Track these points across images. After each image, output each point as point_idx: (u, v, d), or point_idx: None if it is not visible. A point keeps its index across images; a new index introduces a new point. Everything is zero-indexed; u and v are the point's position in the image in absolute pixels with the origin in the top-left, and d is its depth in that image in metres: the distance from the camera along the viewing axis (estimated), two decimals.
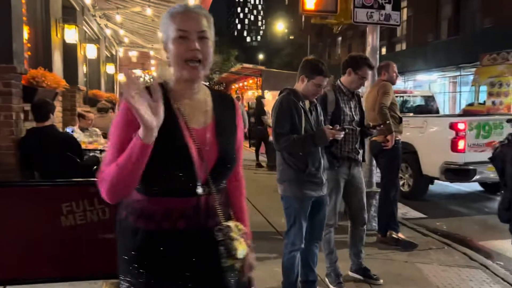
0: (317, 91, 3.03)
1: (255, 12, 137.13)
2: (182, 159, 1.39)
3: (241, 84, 20.22)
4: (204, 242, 1.44)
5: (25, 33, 5.25)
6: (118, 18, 8.59)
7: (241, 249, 1.42)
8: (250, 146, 15.50)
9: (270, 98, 14.39)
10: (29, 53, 5.52)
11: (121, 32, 10.55)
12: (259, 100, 11.38)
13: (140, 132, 1.25)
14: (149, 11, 7.24)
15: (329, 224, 3.50)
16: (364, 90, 4.79)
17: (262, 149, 10.94)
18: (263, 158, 10.77)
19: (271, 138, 10.29)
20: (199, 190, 1.42)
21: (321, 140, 2.93)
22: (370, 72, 3.83)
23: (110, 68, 11.80)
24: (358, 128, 3.57)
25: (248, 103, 18.06)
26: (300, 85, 3.06)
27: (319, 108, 3.20)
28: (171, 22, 1.41)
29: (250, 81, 18.08)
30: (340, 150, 3.46)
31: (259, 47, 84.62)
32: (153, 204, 1.43)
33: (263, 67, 18.48)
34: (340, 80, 3.61)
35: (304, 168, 2.97)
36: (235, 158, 1.54)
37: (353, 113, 3.58)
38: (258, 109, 11.12)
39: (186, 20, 1.40)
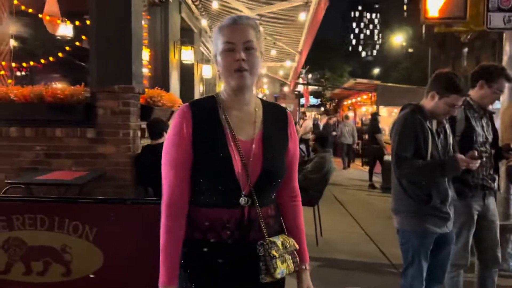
0: (449, 111, 2.54)
1: (371, 26, 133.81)
2: (224, 170, 1.41)
3: (354, 100, 19.57)
4: (247, 255, 1.42)
5: (147, 55, 5.62)
6: None
7: (282, 268, 1.40)
8: (362, 165, 14.81)
9: (385, 115, 13.62)
10: (149, 73, 5.89)
11: None
12: (374, 116, 10.76)
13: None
14: (261, 29, 7.29)
15: (458, 264, 2.97)
16: (494, 106, 4.10)
17: (377, 169, 10.27)
18: (376, 179, 10.11)
19: (386, 157, 9.63)
20: (242, 201, 1.42)
21: (452, 169, 2.47)
22: (507, 85, 3.22)
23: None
24: (492, 151, 3.01)
25: (361, 119, 17.38)
26: (428, 102, 2.60)
27: (448, 131, 2.69)
28: (220, 35, 1.45)
29: (364, 97, 17.38)
30: (473, 177, 2.92)
31: (375, 61, 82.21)
32: (200, 214, 1.45)
33: (378, 82, 17.66)
34: (469, 95, 3.08)
35: (427, 200, 2.52)
36: (282, 171, 1.52)
37: (486, 132, 3.03)
38: (372, 126, 10.51)
39: (232, 32, 1.44)
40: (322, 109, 31.90)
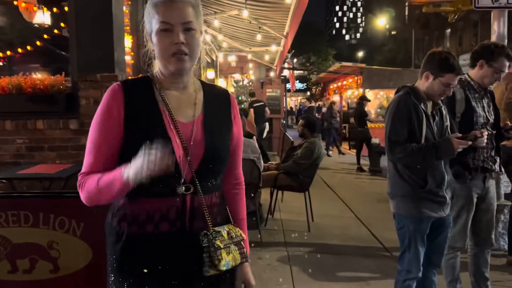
0: (444, 92, 2.48)
1: (354, 9, 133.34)
2: None
3: (339, 84, 19.55)
4: (189, 247, 1.31)
5: (129, 42, 5.45)
6: (217, 23, 8.68)
7: (228, 259, 1.30)
8: (350, 149, 14.86)
9: (372, 98, 13.60)
10: (132, 61, 5.72)
11: (220, 37, 10.71)
12: (361, 100, 10.74)
13: (131, 172, 1.17)
14: (245, 13, 7.15)
15: (456, 247, 2.96)
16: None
17: (364, 151, 10.29)
18: (364, 162, 10.13)
19: (373, 140, 9.65)
20: (182, 188, 1.31)
21: (447, 152, 2.42)
22: (507, 64, 3.15)
23: (210, 74, 12.10)
24: (493, 132, 2.97)
25: (348, 102, 17.38)
26: (423, 83, 2.54)
27: (444, 112, 2.63)
28: (154, 12, 1.31)
29: (350, 80, 17.35)
30: (473, 159, 2.88)
31: (359, 44, 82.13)
32: (135, 205, 1.33)
33: (363, 65, 17.63)
34: (468, 75, 3.02)
35: (423, 184, 2.48)
36: (225, 156, 1.42)
37: (487, 113, 2.98)
38: (359, 109, 10.51)
39: (169, 11, 1.30)
40: (308, 93, 31.88)
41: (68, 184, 3.62)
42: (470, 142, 2.42)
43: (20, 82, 3.94)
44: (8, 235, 2.71)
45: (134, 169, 1.16)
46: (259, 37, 9.33)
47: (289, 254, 4.23)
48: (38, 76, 4.13)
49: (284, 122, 15.20)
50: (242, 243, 1.38)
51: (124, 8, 4.70)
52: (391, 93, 14.74)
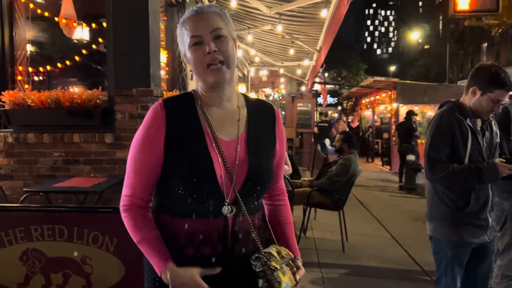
0: (493, 108, 2.32)
1: (386, 23, 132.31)
2: (205, 174, 1.23)
3: (372, 98, 19.24)
4: (238, 272, 1.24)
5: (164, 57, 5.50)
6: (250, 38, 8.70)
7: (286, 280, 1.21)
8: (382, 165, 14.52)
9: (405, 113, 13.27)
10: (167, 76, 5.77)
11: (252, 52, 10.75)
12: (409, 115, 10.33)
13: (170, 278, 1.21)
14: (279, 28, 7.13)
15: (510, 275, 2.75)
16: None
17: (396, 168, 9.99)
18: (394, 178, 9.84)
19: (408, 157, 9.36)
20: (225, 210, 1.24)
21: (491, 177, 2.26)
22: None
23: (241, 88, 12.14)
24: None
25: (380, 117, 17.04)
26: (469, 99, 2.38)
27: (494, 128, 2.46)
28: (184, 29, 1.30)
29: (383, 95, 17.03)
30: None
31: (390, 59, 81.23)
32: (176, 224, 1.27)
33: (396, 79, 17.28)
34: None
35: (464, 206, 2.31)
36: (269, 176, 1.36)
37: None
38: (406, 124, 10.10)
39: (196, 23, 1.28)
40: (339, 108, 31.58)
41: (102, 198, 3.63)
42: None
43: (59, 96, 4.01)
44: (43, 249, 2.72)
45: (175, 280, 1.20)
46: (291, 51, 9.28)
47: (323, 276, 4.08)
48: (76, 90, 4.19)
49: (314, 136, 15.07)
50: (291, 262, 1.31)
51: (160, 23, 4.75)
52: (426, 108, 14.45)
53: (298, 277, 1.28)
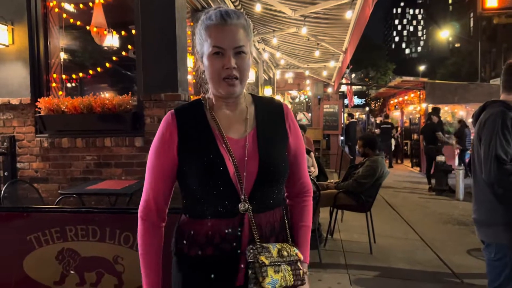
0: None
1: (414, 22, 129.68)
2: (217, 172, 1.27)
3: (400, 99, 18.92)
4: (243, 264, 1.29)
5: (191, 62, 5.61)
6: (275, 41, 8.75)
7: (276, 277, 1.22)
8: (412, 166, 14.26)
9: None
10: (194, 80, 5.87)
11: (278, 54, 10.78)
12: (431, 114, 10.13)
13: None
14: (304, 30, 7.14)
15: None
16: None
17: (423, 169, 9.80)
18: (421, 179, 9.65)
19: (438, 158, 9.16)
20: (241, 207, 1.27)
21: None
22: None
23: (267, 91, 12.18)
24: None
25: (410, 118, 16.75)
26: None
27: None
28: (207, 35, 1.31)
29: (412, 95, 16.73)
30: None
31: (419, 58, 79.55)
32: (194, 225, 1.32)
33: (425, 79, 16.95)
34: None
35: None
36: (282, 169, 1.37)
37: None
38: (429, 126, 9.89)
39: (221, 34, 1.29)
40: (367, 109, 31.17)
41: (132, 200, 3.74)
42: None
43: (91, 102, 4.16)
44: (77, 249, 2.82)
45: None
46: (317, 53, 9.27)
47: (350, 277, 4.06)
48: (107, 95, 4.33)
49: (342, 138, 14.94)
50: (298, 264, 1.31)
51: (187, 29, 4.85)
52: (457, 108, 14.09)
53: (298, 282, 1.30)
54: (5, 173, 4.36)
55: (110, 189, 3.78)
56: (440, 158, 9.13)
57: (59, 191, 3.90)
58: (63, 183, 4.32)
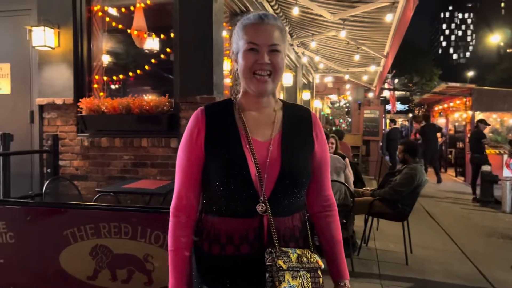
0: None
1: (463, 27, 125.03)
2: (239, 172, 1.29)
3: (446, 105, 18.24)
4: (262, 269, 1.26)
5: (228, 65, 5.65)
6: (314, 44, 8.68)
7: (293, 283, 1.21)
8: (456, 175, 13.70)
9: None
10: (231, 83, 5.92)
11: (317, 58, 10.69)
12: (479, 122, 9.80)
13: None
14: (343, 34, 7.03)
15: None
16: None
17: (468, 179, 9.37)
18: (464, 188, 9.23)
19: (483, 167, 8.76)
20: (259, 208, 1.28)
21: None
22: None
23: (306, 95, 12.09)
24: None
25: (454, 125, 16.13)
26: None
27: None
28: (243, 33, 1.34)
29: (458, 102, 16.09)
30: None
31: (468, 64, 76.58)
32: (217, 224, 1.33)
33: (472, 85, 16.25)
34: None
35: None
36: (303, 175, 1.36)
37: None
38: (476, 134, 9.55)
39: (257, 32, 1.33)
40: (410, 115, 30.29)
41: (166, 200, 3.81)
42: None
43: (129, 103, 4.27)
44: (110, 245, 2.90)
45: None
46: (357, 57, 9.12)
47: None
48: (146, 97, 4.44)
49: (382, 144, 14.57)
50: (318, 272, 1.30)
51: (225, 32, 4.90)
52: (506, 116, 13.42)
53: None
54: (48, 170, 4.56)
55: (145, 189, 3.87)
56: (486, 168, 8.72)
57: (96, 189, 4.03)
58: (101, 181, 4.46)
